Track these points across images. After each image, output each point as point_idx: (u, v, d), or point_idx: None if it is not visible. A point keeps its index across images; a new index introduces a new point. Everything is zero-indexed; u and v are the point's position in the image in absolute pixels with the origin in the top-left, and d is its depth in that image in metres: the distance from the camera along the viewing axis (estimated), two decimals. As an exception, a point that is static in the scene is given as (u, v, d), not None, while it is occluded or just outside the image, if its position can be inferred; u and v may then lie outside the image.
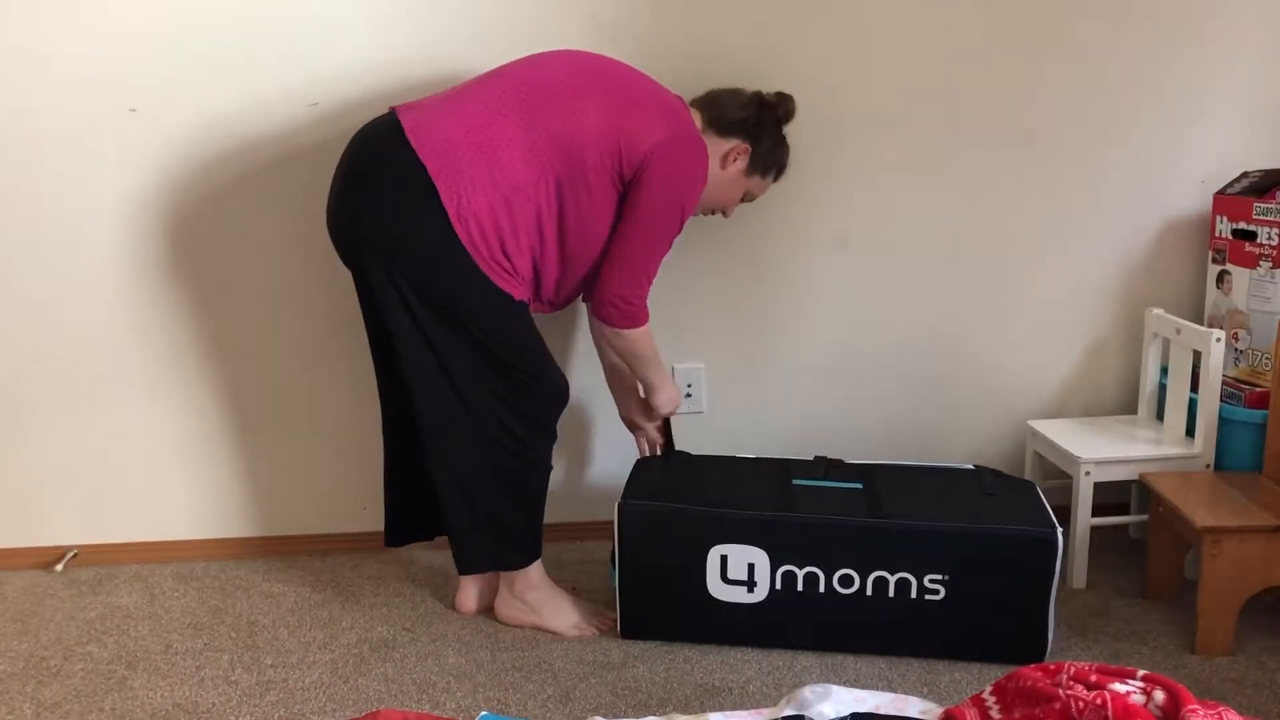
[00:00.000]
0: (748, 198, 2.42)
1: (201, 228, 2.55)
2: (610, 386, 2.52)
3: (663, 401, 2.40)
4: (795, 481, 2.33)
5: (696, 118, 2.28)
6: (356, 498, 2.73)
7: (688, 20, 2.51)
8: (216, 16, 2.43)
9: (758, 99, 2.34)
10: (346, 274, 2.29)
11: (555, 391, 2.24)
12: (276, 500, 2.72)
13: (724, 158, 2.30)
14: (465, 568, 2.34)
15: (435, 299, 2.10)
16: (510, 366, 2.15)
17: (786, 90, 2.38)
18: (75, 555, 2.67)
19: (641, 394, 2.45)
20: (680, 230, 2.22)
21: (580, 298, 2.39)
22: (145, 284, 2.56)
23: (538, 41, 2.41)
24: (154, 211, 2.53)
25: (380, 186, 2.09)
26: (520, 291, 2.14)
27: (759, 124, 2.32)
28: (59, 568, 2.64)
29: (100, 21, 2.40)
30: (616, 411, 2.56)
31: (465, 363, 2.13)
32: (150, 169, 2.50)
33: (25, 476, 2.64)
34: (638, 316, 2.24)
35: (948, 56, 2.59)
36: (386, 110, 2.18)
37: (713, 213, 2.43)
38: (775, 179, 2.43)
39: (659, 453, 2.53)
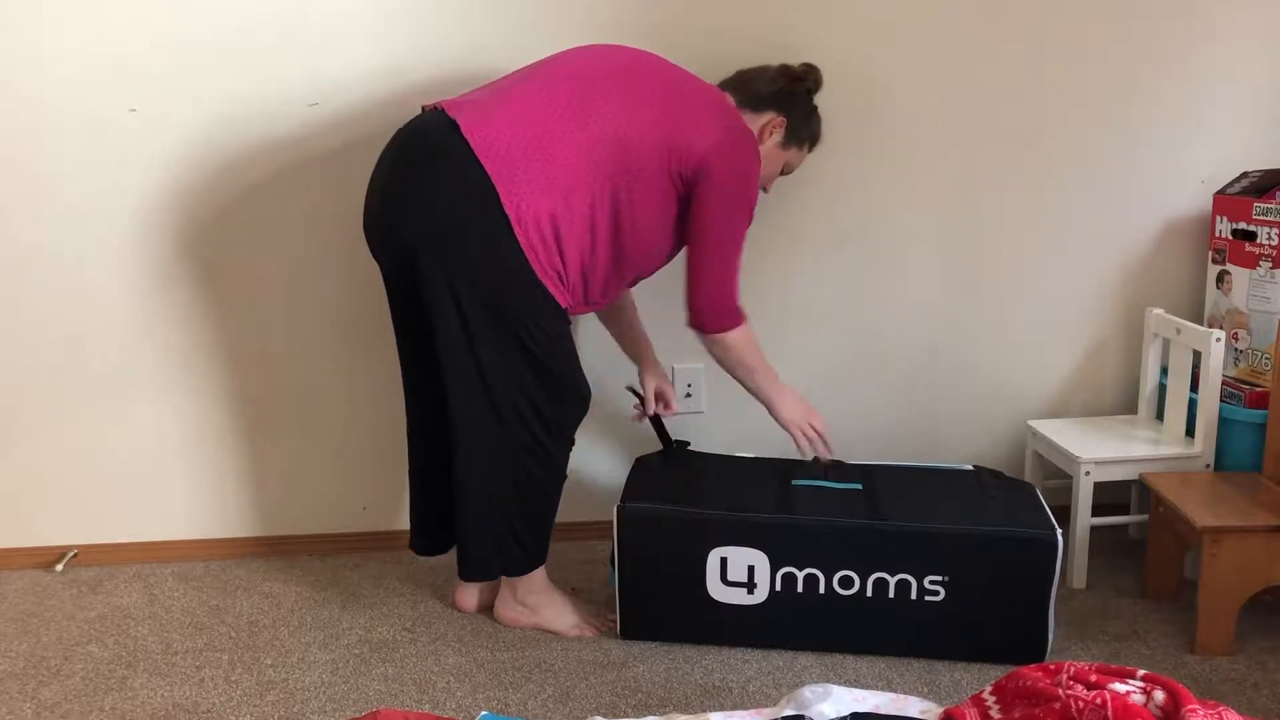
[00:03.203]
0: (786, 170, 2.42)
1: (201, 228, 2.55)
2: (629, 354, 2.53)
3: (790, 419, 2.36)
4: (795, 482, 2.33)
5: (730, 100, 2.28)
6: (356, 498, 2.73)
7: (686, 21, 2.51)
8: (217, 16, 2.43)
9: (785, 71, 2.35)
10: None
11: (580, 399, 2.24)
12: (277, 500, 2.72)
13: (760, 132, 2.29)
14: (472, 574, 2.32)
15: (488, 299, 2.08)
16: (549, 371, 2.15)
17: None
18: (75, 555, 2.67)
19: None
20: (751, 220, 2.22)
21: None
22: (145, 284, 2.56)
23: (538, 41, 2.41)
24: (153, 212, 2.52)
25: (441, 186, 2.06)
26: (565, 298, 2.13)
27: (791, 95, 2.33)
28: (59, 568, 2.64)
29: (100, 21, 2.40)
30: (616, 413, 2.56)
31: (506, 365, 2.12)
32: (150, 169, 2.50)
33: (25, 476, 2.64)
34: (733, 315, 2.23)
35: (947, 57, 2.59)
36: (427, 108, 2.15)
37: None
38: (810, 149, 2.43)
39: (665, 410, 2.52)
